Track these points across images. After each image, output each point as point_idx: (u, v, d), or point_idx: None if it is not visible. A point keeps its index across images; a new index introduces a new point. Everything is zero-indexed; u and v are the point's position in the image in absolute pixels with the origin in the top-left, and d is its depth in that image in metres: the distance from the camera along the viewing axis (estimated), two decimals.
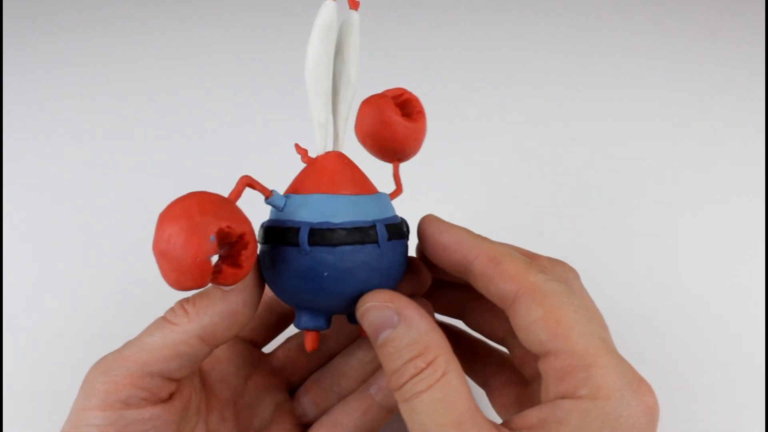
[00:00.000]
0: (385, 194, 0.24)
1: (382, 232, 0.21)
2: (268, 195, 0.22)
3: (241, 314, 0.21)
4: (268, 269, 0.22)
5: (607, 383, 0.19)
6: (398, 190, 0.25)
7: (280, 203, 0.22)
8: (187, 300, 0.22)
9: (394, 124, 0.23)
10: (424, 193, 0.26)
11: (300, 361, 0.28)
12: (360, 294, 0.21)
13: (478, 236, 0.23)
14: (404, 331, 0.20)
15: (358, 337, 0.28)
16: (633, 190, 0.47)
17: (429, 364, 0.19)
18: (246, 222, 0.19)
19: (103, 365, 0.21)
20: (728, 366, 0.35)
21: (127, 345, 0.22)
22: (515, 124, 0.51)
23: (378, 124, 0.24)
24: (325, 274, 0.21)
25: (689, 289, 0.39)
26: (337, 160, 0.23)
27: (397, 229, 0.22)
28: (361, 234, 0.21)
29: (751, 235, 0.43)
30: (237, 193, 0.21)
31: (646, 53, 0.60)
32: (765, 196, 0.46)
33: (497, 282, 0.21)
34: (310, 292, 0.21)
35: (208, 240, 0.17)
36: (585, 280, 0.23)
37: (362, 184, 0.23)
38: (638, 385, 0.19)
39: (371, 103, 0.24)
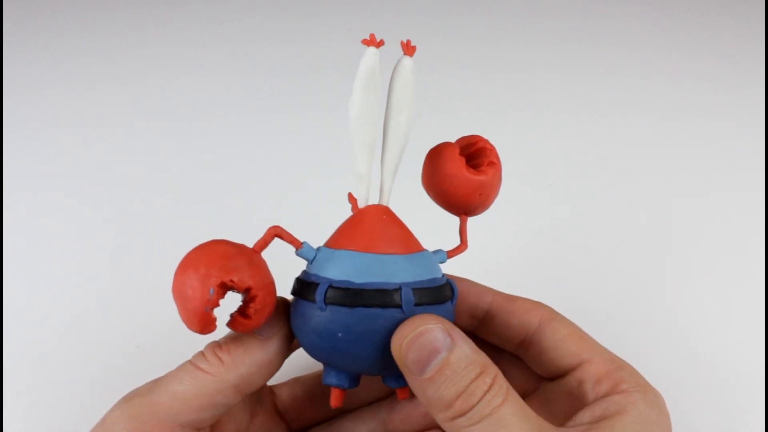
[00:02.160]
0: (430, 253, 0.22)
1: (408, 296, 0.20)
2: (298, 247, 0.21)
3: (275, 363, 0.21)
4: (292, 321, 0.22)
5: (639, 380, 0.22)
6: (461, 247, 0.23)
7: (309, 256, 0.21)
8: (219, 346, 0.21)
9: (454, 177, 0.22)
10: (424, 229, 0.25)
11: (305, 410, 0.27)
12: (381, 359, 0.20)
13: (481, 284, 0.25)
14: (460, 351, 0.19)
15: (371, 402, 0.27)
16: (630, 194, 0.47)
17: (494, 380, 0.19)
18: (256, 275, 0.19)
19: (130, 410, 0.20)
20: (728, 366, 0.35)
21: (155, 390, 0.21)
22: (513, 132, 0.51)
23: (440, 176, 0.22)
24: (339, 334, 0.20)
25: (688, 291, 0.39)
26: (376, 214, 0.22)
27: (434, 294, 0.21)
28: (383, 296, 0.20)
29: (750, 235, 0.43)
30: (263, 243, 0.21)
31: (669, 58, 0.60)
32: (765, 196, 0.46)
33: (520, 314, 0.24)
34: (325, 351, 0.21)
35: (207, 292, 0.18)
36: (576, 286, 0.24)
37: (401, 242, 0.21)
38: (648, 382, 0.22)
39: (435, 152, 0.23)
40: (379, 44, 0.21)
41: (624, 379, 0.22)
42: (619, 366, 0.22)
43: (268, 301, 0.20)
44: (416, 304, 0.20)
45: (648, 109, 0.54)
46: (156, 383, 0.21)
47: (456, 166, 0.22)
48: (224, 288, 0.19)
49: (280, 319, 0.21)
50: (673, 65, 0.59)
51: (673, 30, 0.63)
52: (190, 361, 0.21)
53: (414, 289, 0.20)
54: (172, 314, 0.35)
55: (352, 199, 0.23)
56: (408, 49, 0.22)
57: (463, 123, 0.51)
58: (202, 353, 0.21)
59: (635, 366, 0.23)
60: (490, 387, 0.19)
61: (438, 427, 0.27)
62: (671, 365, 0.34)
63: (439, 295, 0.21)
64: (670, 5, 0.66)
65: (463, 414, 0.19)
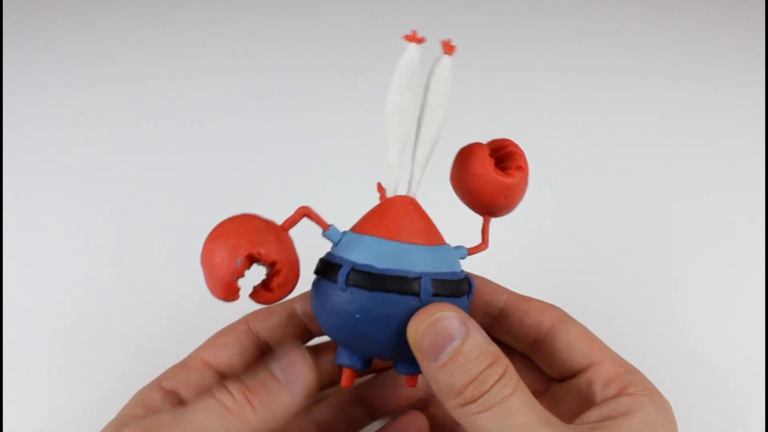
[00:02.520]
0: (451, 248, 0.23)
1: (426, 286, 0.21)
2: (326, 228, 0.22)
3: (297, 409, 0.22)
4: (313, 300, 0.22)
5: (647, 384, 0.22)
6: (482, 246, 0.24)
7: (335, 238, 0.22)
8: (248, 388, 0.21)
9: (482, 177, 0.23)
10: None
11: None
12: (395, 343, 0.21)
13: (496, 283, 0.26)
14: (473, 341, 0.20)
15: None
16: (628, 193, 0.47)
17: (506, 370, 0.20)
18: (283, 251, 0.20)
19: None
20: (728, 366, 0.35)
21: (180, 423, 0.20)
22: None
23: (467, 176, 0.23)
24: (357, 316, 0.21)
25: (688, 291, 0.39)
26: (403, 205, 0.22)
27: (452, 287, 0.22)
28: (402, 283, 0.20)
29: (751, 235, 0.43)
30: (292, 221, 0.21)
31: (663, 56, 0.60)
32: (765, 196, 0.46)
33: (534, 314, 0.25)
34: (342, 331, 0.21)
35: (234, 262, 0.19)
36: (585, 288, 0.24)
37: (424, 233, 0.22)
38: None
39: (465, 152, 0.23)
40: (421, 41, 0.21)
41: (633, 382, 0.22)
42: (629, 370, 0.23)
43: (290, 277, 0.20)
44: (434, 294, 0.21)
45: (648, 109, 0.54)
46: (179, 416, 0.20)
47: (485, 166, 0.23)
48: (251, 260, 0.19)
49: (306, 376, 0.21)
50: (673, 65, 0.59)
51: (673, 30, 0.63)
52: (216, 398, 0.20)
53: (433, 280, 0.21)
54: (172, 314, 0.36)
55: (380, 188, 0.24)
56: (448, 48, 0.22)
57: (464, 123, 0.51)
58: (228, 391, 0.21)
59: (636, 365, 0.23)
60: (501, 376, 0.19)
61: (412, 405, 0.28)
62: (671, 365, 0.34)
63: (457, 288, 0.22)
64: (670, 5, 0.66)
65: (473, 401, 0.19)
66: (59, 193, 0.45)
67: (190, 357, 0.24)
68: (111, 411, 0.22)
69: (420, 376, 0.22)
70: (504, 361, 0.20)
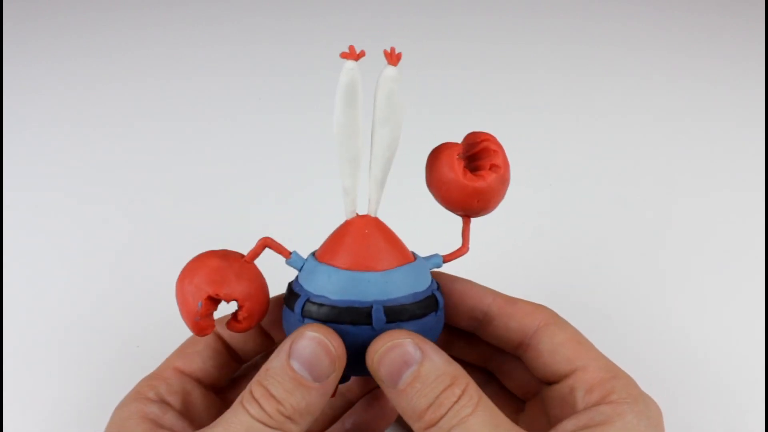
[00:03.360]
0: (417, 263, 0.22)
1: (378, 314, 0.21)
2: (287, 257, 0.22)
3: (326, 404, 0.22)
4: (283, 322, 0.23)
5: (632, 390, 0.22)
6: (462, 250, 0.23)
7: (297, 266, 0.22)
8: (280, 403, 0.20)
9: (451, 182, 0.21)
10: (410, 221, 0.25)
11: None
12: (360, 368, 0.21)
13: (482, 285, 0.25)
14: (430, 364, 0.20)
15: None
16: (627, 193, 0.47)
17: (464, 391, 0.19)
18: (243, 287, 0.21)
19: None
20: (728, 366, 0.35)
21: None
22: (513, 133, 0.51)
23: (436, 181, 0.22)
24: None
25: (688, 291, 0.39)
26: (359, 228, 0.22)
27: (411, 309, 0.21)
28: (354, 314, 0.21)
29: (751, 235, 0.43)
30: (253, 254, 0.22)
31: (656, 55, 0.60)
32: (765, 196, 0.46)
33: (519, 317, 0.24)
34: None
35: (196, 305, 0.20)
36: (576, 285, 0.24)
37: (384, 255, 0.21)
38: (644, 392, 0.22)
39: (434, 154, 0.22)
40: (359, 56, 0.20)
41: (616, 389, 0.21)
42: (614, 375, 0.22)
43: (254, 309, 0.21)
44: (389, 321, 0.21)
45: (648, 109, 0.54)
46: None
47: (453, 170, 0.21)
48: (213, 300, 0.21)
49: (334, 365, 0.20)
50: (673, 65, 0.59)
51: (673, 30, 0.63)
52: (250, 414, 0.19)
53: (386, 307, 0.21)
54: (173, 314, 0.36)
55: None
56: (392, 58, 0.20)
57: (463, 123, 0.51)
58: (260, 406, 0.20)
59: (635, 367, 0.23)
60: (459, 398, 0.19)
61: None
62: (671, 365, 0.34)
63: (417, 309, 0.21)
64: (670, 5, 0.66)
65: (433, 424, 0.19)
66: (59, 193, 0.45)
67: (161, 368, 0.24)
68: (111, 411, 0.22)
69: None
70: (463, 381, 0.20)
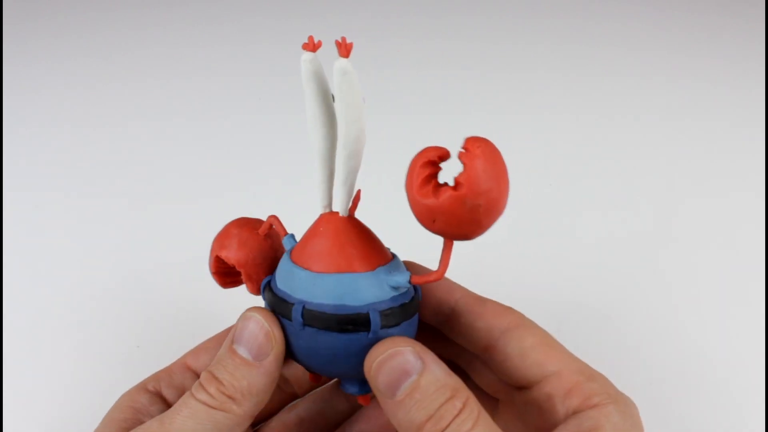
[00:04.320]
0: (396, 265, 0.21)
1: (375, 319, 0.20)
2: (283, 235, 0.23)
3: (274, 381, 0.21)
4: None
5: (610, 390, 0.21)
6: (434, 275, 0.20)
7: (288, 246, 0.22)
8: (221, 382, 0.20)
9: (408, 194, 0.18)
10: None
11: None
12: (330, 367, 0.21)
13: (453, 281, 0.24)
14: (430, 375, 0.19)
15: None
16: (626, 191, 0.47)
17: (465, 405, 0.19)
18: (241, 255, 0.23)
19: None
20: (728, 366, 0.35)
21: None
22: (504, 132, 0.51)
23: (408, 197, 0.19)
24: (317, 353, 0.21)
25: (688, 290, 0.39)
26: (333, 227, 0.21)
27: (398, 313, 0.20)
28: (350, 321, 0.20)
29: (751, 233, 0.43)
30: (264, 228, 0.23)
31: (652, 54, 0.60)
32: (765, 195, 0.46)
33: (487, 318, 0.23)
34: (306, 365, 0.22)
35: (210, 261, 0.23)
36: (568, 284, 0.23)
37: (365, 255, 0.20)
38: (619, 390, 0.22)
39: (408, 168, 0.19)
40: (317, 47, 0.19)
41: (595, 391, 0.21)
42: (589, 377, 0.21)
43: (251, 277, 0.23)
44: (382, 328, 0.20)
45: (648, 109, 0.54)
46: (167, 423, 0.20)
47: (410, 179, 0.18)
48: (219, 260, 0.23)
49: (271, 342, 0.21)
50: (673, 65, 0.59)
51: (673, 30, 0.63)
52: (197, 398, 0.20)
53: (382, 312, 0.20)
54: (172, 314, 0.36)
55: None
56: (342, 49, 0.18)
57: (463, 123, 0.51)
58: (204, 389, 0.20)
59: (635, 367, 0.23)
60: (460, 411, 0.19)
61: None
62: (671, 365, 0.34)
63: (406, 312, 0.21)
64: (670, 5, 0.66)
65: None
66: (59, 193, 0.45)
67: (175, 363, 0.25)
68: None
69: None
70: (463, 394, 0.19)
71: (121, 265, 0.39)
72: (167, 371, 0.24)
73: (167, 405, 0.23)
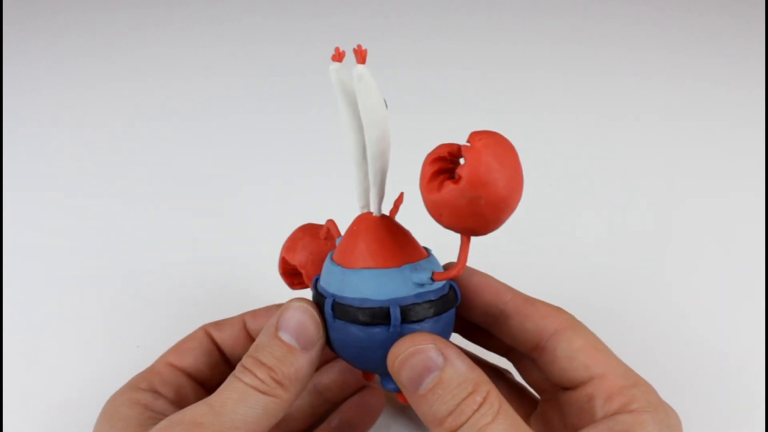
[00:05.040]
0: (428, 262, 0.22)
1: (396, 314, 0.20)
2: (337, 237, 0.24)
3: (315, 369, 0.22)
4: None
5: (652, 398, 0.21)
6: (453, 271, 0.21)
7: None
8: (271, 369, 0.21)
9: (422, 197, 0.19)
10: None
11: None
12: (367, 364, 0.22)
13: (502, 282, 0.25)
14: (452, 370, 0.20)
15: None
16: (628, 190, 0.47)
17: (485, 399, 0.19)
18: (301, 256, 0.24)
19: None
20: (728, 365, 0.35)
21: (220, 416, 0.20)
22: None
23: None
24: (348, 345, 0.21)
25: (687, 290, 0.39)
26: (365, 226, 0.22)
27: (422, 310, 0.21)
28: (373, 315, 0.20)
29: (751, 233, 0.43)
30: (323, 231, 0.25)
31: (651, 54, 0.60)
32: (765, 195, 0.46)
33: (536, 319, 0.23)
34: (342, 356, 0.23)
35: (279, 264, 0.25)
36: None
37: (394, 253, 0.21)
38: (663, 399, 0.22)
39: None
40: (341, 57, 0.20)
41: (636, 397, 0.21)
42: (634, 383, 0.22)
43: (310, 277, 0.24)
44: (404, 322, 0.21)
45: (648, 109, 0.54)
46: (217, 406, 0.20)
47: (421, 178, 0.19)
48: (284, 262, 0.25)
49: (317, 332, 0.21)
50: (673, 65, 0.59)
51: (673, 30, 0.63)
52: (244, 382, 0.20)
53: (403, 307, 0.21)
54: (172, 314, 0.36)
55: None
56: (359, 55, 0.19)
57: (463, 123, 0.51)
58: (252, 373, 0.20)
59: (636, 365, 0.23)
60: (480, 405, 0.19)
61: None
62: (672, 364, 0.34)
63: (431, 308, 0.21)
64: (670, 5, 0.66)
65: (453, 431, 0.19)
66: (59, 193, 0.45)
67: (155, 363, 0.25)
68: None
69: None
70: (484, 388, 0.20)
71: (121, 265, 0.39)
72: (153, 372, 0.24)
73: (170, 402, 0.23)
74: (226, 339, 0.25)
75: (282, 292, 0.25)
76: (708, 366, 0.34)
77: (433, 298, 0.21)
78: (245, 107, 0.53)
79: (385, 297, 0.21)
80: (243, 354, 0.25)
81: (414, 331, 0.21)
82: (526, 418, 0.26)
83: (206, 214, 0.43)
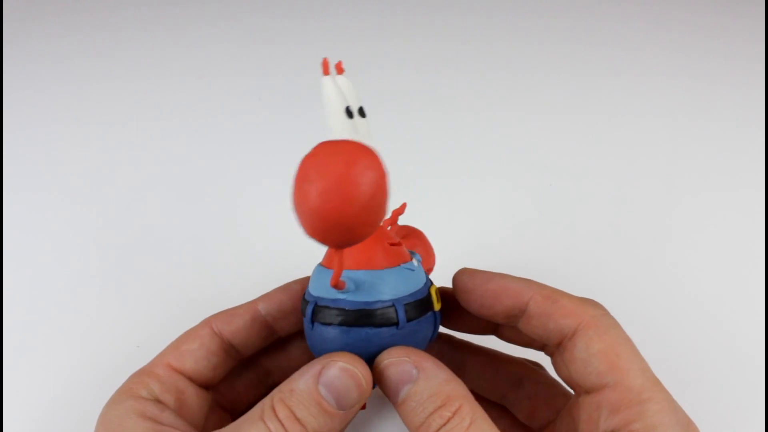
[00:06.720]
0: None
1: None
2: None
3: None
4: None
5: (661, 420, 0.20)
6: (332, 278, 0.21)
7: None
8: (298, 420, 0.20)
9: None
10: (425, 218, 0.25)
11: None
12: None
13: (523, 278, 0.24)
14: (424, 383, 0.20)
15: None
16: (631, 190, 0.47)
17: (455, 413, 0.19)
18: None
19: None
20: (728, 367, 0.35)
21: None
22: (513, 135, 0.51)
23: None
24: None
25: (687, 290, 0.39)
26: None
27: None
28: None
29: (751, 233, 0.43)
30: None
31: (650, 54, 0.60)
32: (765, 195, 0.46)
33: (557, 318, 0.22)
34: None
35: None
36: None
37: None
38: (687, 424, 0.20)
39: None
40: (327, 72, 0.21)
41: (642, 415, 0.20)
42: (648, 398, 0.20)
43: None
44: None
45: (648, 108, 0.54)
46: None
47: None
48: None
49: (361, 396, 0.21)
50: (673, 65, 0.59)
51: (673, 30, 0.63)
52: (270, 428, 0.20)
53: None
54: (173, 314, 0.36)
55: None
56: (324, 67, 0.20)
57: (463, 123, 0.51)
58: (282, 424, 0.20)
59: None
60: (448, 420, 0.19)
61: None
62: (671, 365, 0.34)
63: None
64: (670, 5, 0.66)
65: None
66: (59, 192, 0.45)
67: (153, 363, 0.24)
68: None
69: None
70: (456, 402, 0.20)
71: (121, 265, 0.39)
72: (151, 375, 0.23)
73: (174, 412, 0.23)
74: (238, 331, 0.25)
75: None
76: (708, 366, 0.34)
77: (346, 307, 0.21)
78: (245, 107, 0.53)
79: (329, 295, 0.21)
80: (257, 344, 0.25)
81: (364, 334, 0.21)
82: (555, 414, 0.25)
83: (207, 214, 0.43)
